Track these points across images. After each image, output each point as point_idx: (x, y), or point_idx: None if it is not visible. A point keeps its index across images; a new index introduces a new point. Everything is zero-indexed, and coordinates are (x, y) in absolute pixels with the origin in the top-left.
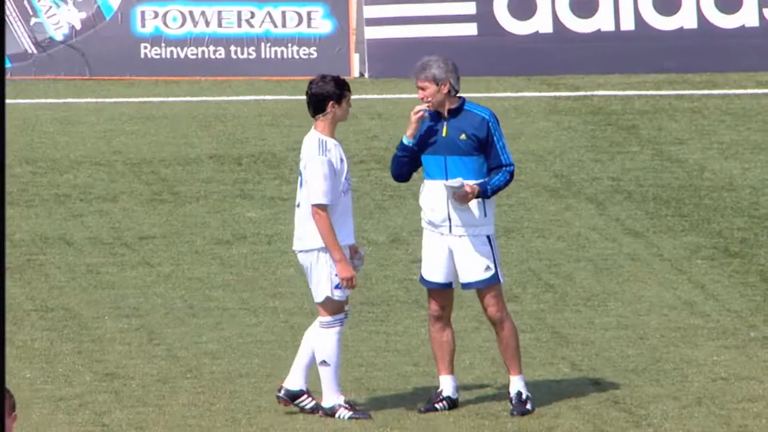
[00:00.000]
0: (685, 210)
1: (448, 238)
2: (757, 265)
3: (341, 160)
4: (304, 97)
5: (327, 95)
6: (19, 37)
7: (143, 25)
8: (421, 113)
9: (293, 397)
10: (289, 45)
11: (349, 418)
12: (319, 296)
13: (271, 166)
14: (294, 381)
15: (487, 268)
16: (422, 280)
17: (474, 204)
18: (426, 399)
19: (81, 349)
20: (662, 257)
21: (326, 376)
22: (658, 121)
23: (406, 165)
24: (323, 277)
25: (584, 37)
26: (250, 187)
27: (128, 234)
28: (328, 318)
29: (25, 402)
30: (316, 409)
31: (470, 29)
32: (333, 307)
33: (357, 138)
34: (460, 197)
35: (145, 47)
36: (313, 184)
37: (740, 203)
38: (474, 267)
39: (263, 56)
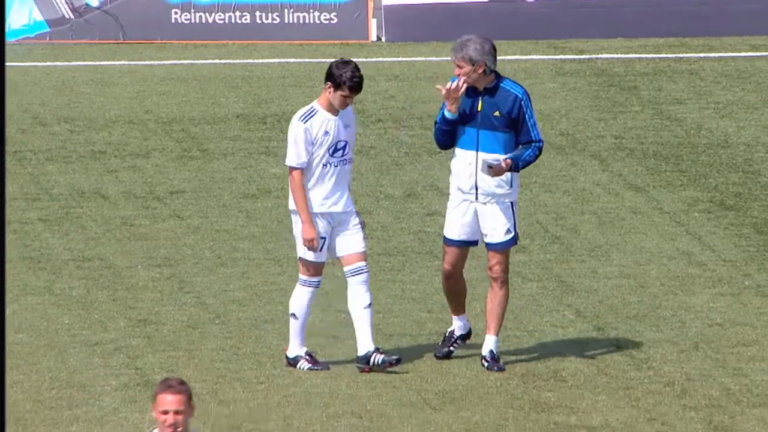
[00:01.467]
0: (683, 166)
1: (475, 204)
2: (751, 217)
3: (325, 132)
4: (326, 59)
5: (329, 76)
6: (57, 3)
7: None
8: (463, 89)
9: (366, 359)
10: (311, 11)
11: (308, 369)
12: (298, 254)
13: None
14: (361, 345)
15: (508, 231)
16: (445, 238)
17: (502, 178)
18: (440, 342)
19: (116, 296)
20: (662, 210)
21: (294, 329)
22: (658, 82)
23: (449, 135)
24: (299, 238)
25: (588, 3)
26: (274, 145)
27: (160, 188)
28: (304, 277)
29: (63, 347)
30: (388, 363)
31: None
32: (308, 267)
33: (374, 99)
34: (496, 172)
35: (176, 13)
36: (287, 147)
37: (735, 159)
38: (498, 230)
39: (286, 21)
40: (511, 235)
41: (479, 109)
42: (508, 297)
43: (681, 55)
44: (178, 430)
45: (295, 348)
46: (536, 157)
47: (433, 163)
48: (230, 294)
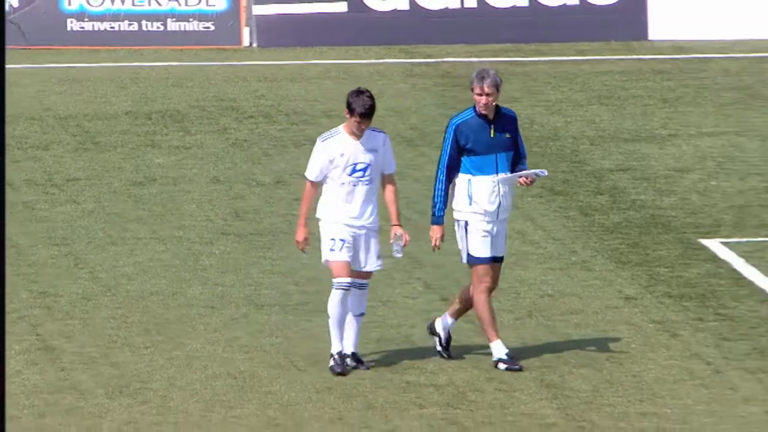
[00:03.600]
0: None
1: (495, 222)
2: (577, 201)
3: (342, 153)
4: (204, 63)
5: (347, 103)
6: None
7: (69, 3)
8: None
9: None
10: (191, 20)
11: (330, 368)
12: (323, 257)
13: (176, 120)
14: (346, 346)
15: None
16: (477, 259)
17: (510, 191)
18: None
19: (19, 272)
20: None
21: (330, 327)
22: None
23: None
24: (322, 243)
25: (435, 13)
26: (159, 138)
27: (57, 177)
28: (333, 279)
29: None
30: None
31: (341, 7)
32: (333, 268)
33: (247, 97)
34: (531, 182)
35: (71, 22)
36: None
37: (563, 151)
38: (504, 244)
39: (169, 29)
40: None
41: (492, 135)
42: None
43: (516, 59)
44: None
45: (333, 345)
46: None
47: (299, 154)
48: (120, 269)
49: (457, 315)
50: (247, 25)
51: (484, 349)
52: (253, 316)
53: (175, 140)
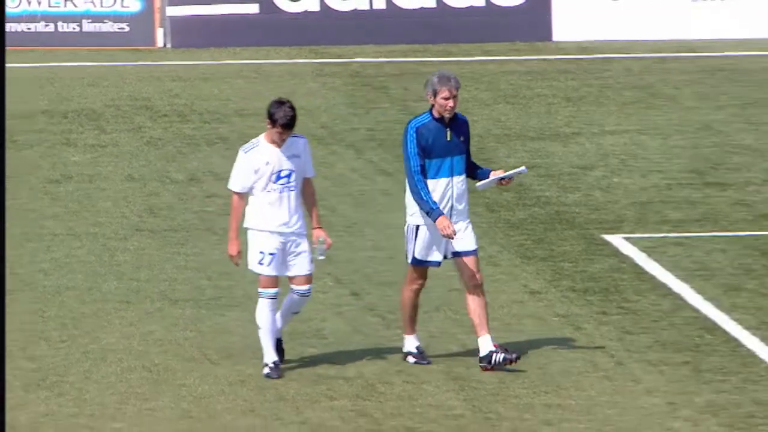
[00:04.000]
0: None
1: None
2: (484, 198)
3: (267, 162)
4: (119, 63)
5: (268, 114)
6: None
7: None
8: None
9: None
10: (106, 21)
11: (266, 375)
12: (249, 266)
13: (91, 119)
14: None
15: (476, 240)
16: (419, 261)
17: (466, 189)
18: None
19: None
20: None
21: (261, 339)
22: (405, 82)
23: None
24: (249, 252)
25: (345, 15)
26: (75, 137)
27: None
28: (260, 288)
29: None
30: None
31: (253, 8)
32: (260, 280)
33: (161, 96)
34: (511, 181)
35: None
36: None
37: (470, 148)
38: (470, 239)
39: (84, 30)
40: (476, 242)
41: (449, 139)
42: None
43: (424, 59)
44: None
45: (266, 355)
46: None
47: (212, 152)
48: (37, 265)
49: (478, 328)
50: (161, 26)
51: (393, 343)
52: (167, 310)
53: (90, 139)
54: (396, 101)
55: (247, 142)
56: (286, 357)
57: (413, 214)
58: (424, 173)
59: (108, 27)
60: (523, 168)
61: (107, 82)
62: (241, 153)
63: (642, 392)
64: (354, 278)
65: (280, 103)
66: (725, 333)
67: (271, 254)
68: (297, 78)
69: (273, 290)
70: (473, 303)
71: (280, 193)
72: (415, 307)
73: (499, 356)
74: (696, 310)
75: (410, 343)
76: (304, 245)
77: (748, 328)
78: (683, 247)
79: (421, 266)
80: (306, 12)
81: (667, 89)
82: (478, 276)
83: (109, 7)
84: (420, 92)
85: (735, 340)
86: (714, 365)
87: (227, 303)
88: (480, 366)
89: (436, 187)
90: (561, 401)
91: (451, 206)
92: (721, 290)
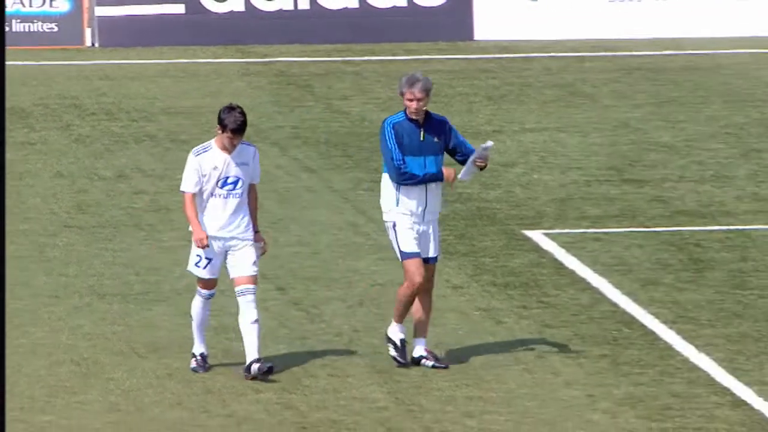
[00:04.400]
0: (350, 151)
1: (422, 223)
2: None
3: (215, 167)
4: (49, 62)
5: (218, 120)
6: None
7: None
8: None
9: (247, 368)
10: (35, 21)
11: (192, 368)
12: (188, 268)
13: (21, 117)
14: (249, 356)
15: (438, 246)
16: (410, 254)
17: (440, 195)
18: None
19: None
20: (332, 189)
21: (193, 329)
22: (328, 81)
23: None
24: (191, 254)
25: (270, 14)
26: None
27: None
28: (198, 287)
29: None
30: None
31: (179, 9)
32: (198, 281)
33: (89, 95)
34: (485, 159)
35: None
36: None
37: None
38: (435, 245)
39: (14, 30)
40: (438, 249)
41: (422, 139)
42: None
43: (347, 59)
44: None
45: (195, 346)
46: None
47: (140, 149)
48: None
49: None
50: (89, 26)
51: (318, 337)
52: (95, 305)
53: (20, 136)
54: (320, 99)
55: (192, 143)
56: (211, 351)
57: (388, 211)
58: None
59: (37, 27)
60: (489, 143)
61: (36, 81)
62: (191, 155)
63: (561, 385)
64: (279, 273)
65: (230, 108)
66: (642, 327)
67: (208, 259)
68: (223, 77)
69: (208, 292)
70: (422, 306)
71: (225, 198)
72: (409, 304)
73: (428, 362)
74: (614, 305)
75: (393, 332)
76: (248, 249)
77: (664, 321)
78: (601, 243)
79: (412, 258)
80: (232, 12)
81: (585, 88)
82: (431, 282)
83: (38, 7)
84: (343, 91)
85: (652, 333)
86: (632, 358)
87: (154, 298)
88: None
89: (410, 186)
90: (482, 394)
91: (425, 206)
92: (639, 285)
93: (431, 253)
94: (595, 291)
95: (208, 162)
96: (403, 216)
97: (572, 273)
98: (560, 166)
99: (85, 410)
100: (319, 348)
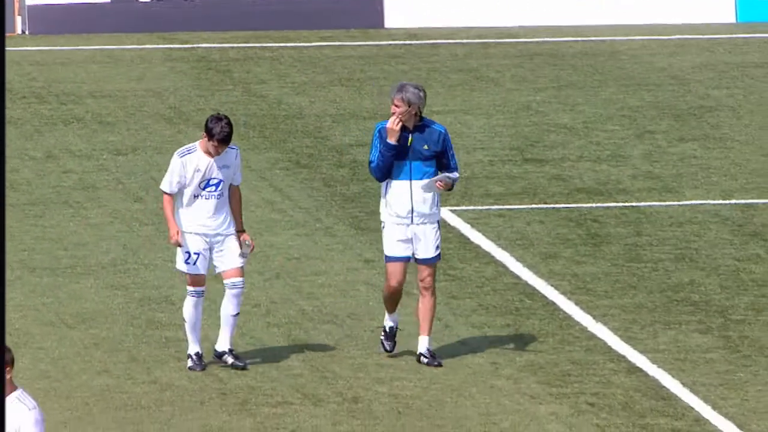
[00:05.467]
0: (267, 133)
1: (411, 226)
2: (320, 173)
3: (197, 169)
4: None
5: (206, 128)
6: None
7: None
8: (400, 125)
9: (219, 356)
10: None
11: (189, 368)
12: (176, 267)
13: None
14: (220, 344)
15: (437, 247)
16: (389, 258)
17: (430, 198)
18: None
19: None
20: (250, 168)
21: (186, 331)
22: (247, 66)
23: (390, 165)
24: (178, 253)
25: (192, 3)
26: None
27: None
28: (187, 287)
29: None
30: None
31: None
32: (187, 278)
33: (20, 80)
34: (446, 184)
35: None
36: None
37: (308, 127)
38: (430, 247)
39: None
40: (439, 251)
41: (409, 143)
42: (436, 302)
43: (265, 45)
44: None
45: (189, 347)
46: (457, 180)
47: (68, 131)
48: None
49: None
50: (19, 14)
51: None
52: (26, 278)
53: None
54: (239, 84)
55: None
56: (135, 321)
57: (381, 212)
58: (388, 150)
59: None
60: (455, 174)
61: None
62: (175, 156)
63: (467, 352)
64: None
65: (218, 119)
66: (543, 298)
67: (196, 254)
68: (147, 62)
69: (199, 288)
70: (421, 304)
71: (206, 199)
72: (392, 302)
73: (424, 360)
74: (516, 277)
75: (385, 318)
76: (231, 242)
77: (564, 293)
78: (505, 219)
79: (391, 261)
80: (155, 1)
81: (489, 73)
82: (428, 280)
83: None
84: (261, 75)
85: (552, 304)
86: (533, 328)
87: (82, 271)
88: (417, 359)
89: (396, 189)
90: (392, 362)
91: (411, 209)
92: (540, 258)
93: (423, 254)
94: (499, 264)
95: (191, 164)
96: (390, 218)
97: (477, 247)
98: (465, 146)
99: (17, 378)
100: (239, 318)
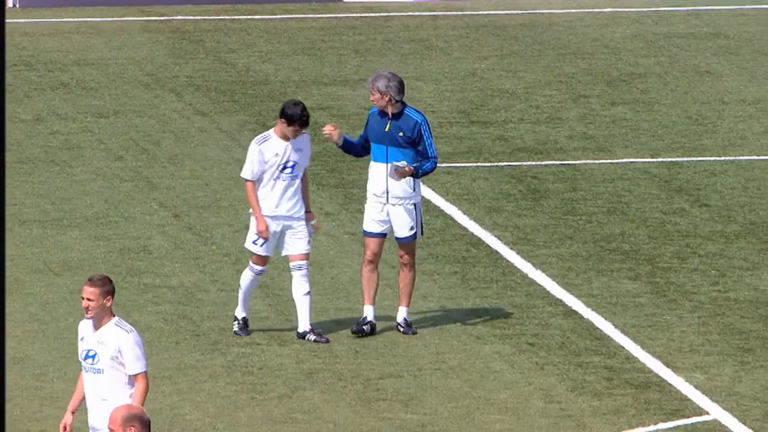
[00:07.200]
0: (236, 97)
1: (387, 206)
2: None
3: (276, 154)
4: None
5: (283, 113)
6: None
7: None
8: (328, 135)
9: (302, 336)
10: None
11: (234, 332)
12: (246, 245)
13: None
14: (301, 324)
15: (411, 228)
16: (365, 232)
17: (405, 181)
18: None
19: None
20: (221, 129)
21: (239, 297)
22: (218, 36)
23: (351, 153)
24: (250, 233)
25: None
26: None
27: None
28: (251, 263)
29: None
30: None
31: None
32: (253, 257)
33: (11, 49)
34: (400, 174)
35: None
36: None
37: (273, 93)
38: (404, 227)
39: None
40: (414, 231)
41: (387, 129)
42: (415, 277)
43: (234, 17)
44: (90, 313)
45: (237, 310)
46: (433, 168)
47: (54, 95)
48: None
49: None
50: None
51: (209, 257)
52: (16, 230)
53: None
54: (210, 53)
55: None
56: (117, 269)
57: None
58: (362, 142)
59: None
60: (402, 163)
61: None
62: (253, 144)
63: (419, 298)
64: (176, 203)
65: (295, 104)
66: (488, 247)
67: (264, 238)
68: (126, 33)
69: (260, 268)
70: (401, 279)
71: (284, 182)
72: (369, 280)
73: (400, 329)
74: (463, 228)
75: (367, 312)
76: (302, 228)
77: (506, 243)
78: (452, 176)
79: (366, 236)
80: None
81: (438, 43)
82: (406, 258)
83: None
84: (230, 45)
85: (496, 253)
86: (479, 275)
87: (68, 224)
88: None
89: (374, 170)
90: (349, 305)
91: (386, 189)
92: (484, 211)
93: (399, 234)
94: (447, 217)
95: (269, 150)
96: (370, 195)
97: (428, 202)
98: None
99: (9, 320)
100: (209, 267)
